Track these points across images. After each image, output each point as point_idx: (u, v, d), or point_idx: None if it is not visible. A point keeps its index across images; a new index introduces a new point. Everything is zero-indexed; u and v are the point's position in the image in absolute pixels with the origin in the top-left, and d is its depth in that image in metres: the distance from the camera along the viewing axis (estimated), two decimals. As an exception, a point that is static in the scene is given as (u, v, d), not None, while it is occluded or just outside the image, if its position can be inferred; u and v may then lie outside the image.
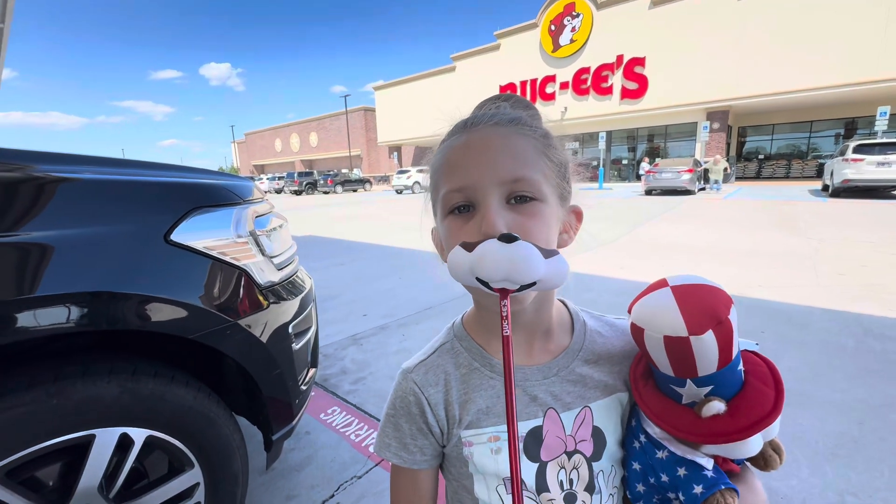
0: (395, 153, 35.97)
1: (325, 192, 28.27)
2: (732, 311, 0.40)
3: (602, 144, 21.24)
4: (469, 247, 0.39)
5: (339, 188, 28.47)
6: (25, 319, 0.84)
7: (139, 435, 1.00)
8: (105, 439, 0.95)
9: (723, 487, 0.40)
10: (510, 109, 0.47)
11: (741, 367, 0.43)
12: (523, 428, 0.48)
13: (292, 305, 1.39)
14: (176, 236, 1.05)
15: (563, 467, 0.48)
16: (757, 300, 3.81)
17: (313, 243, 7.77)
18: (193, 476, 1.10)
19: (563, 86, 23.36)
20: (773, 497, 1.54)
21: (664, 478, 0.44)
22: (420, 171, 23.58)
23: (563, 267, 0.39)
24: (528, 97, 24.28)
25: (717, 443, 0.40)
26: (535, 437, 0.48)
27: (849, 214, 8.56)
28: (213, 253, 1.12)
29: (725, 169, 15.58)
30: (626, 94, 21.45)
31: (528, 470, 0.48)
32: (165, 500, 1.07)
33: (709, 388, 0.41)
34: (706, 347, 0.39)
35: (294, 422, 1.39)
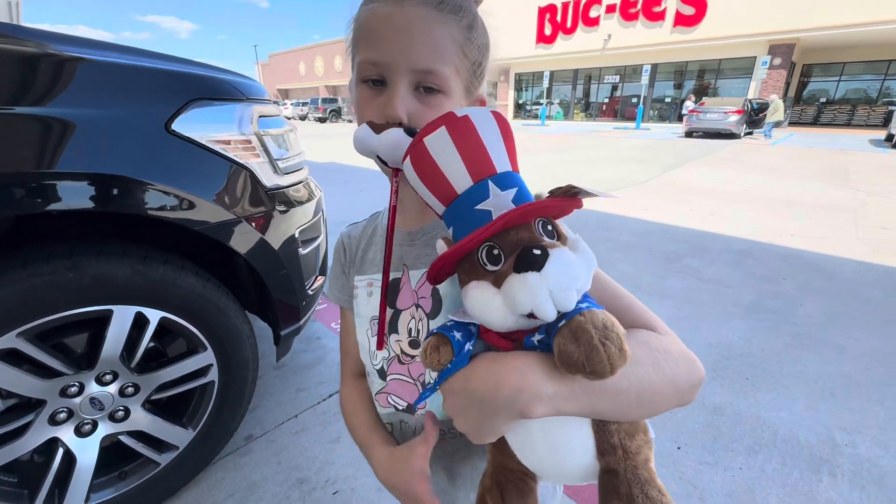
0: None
1: (349, 121, 27.64)
2: None
3: (645, 79, 19.55)
4: (377, 128, 0.44)
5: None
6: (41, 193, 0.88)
7: (154, 315, 1.08)
8: (122, 315, 1.03)
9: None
10: None
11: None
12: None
13: (299, 211, 1.41)
14: (177, 126, 1.04)
15: (413, 317, 0.54)
16: (785, 248, 3.66)
17: (336, 170, 7.74)
18: (206, 357, 1.20)
19: (610, 9, 21.02)
20: (762, 427, 1.58)
21: None
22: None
23: None
24: (570, 23, 22.29)
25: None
26: (395, 287, 0.56)
27: (909, 167, 7.85)
28: (217, 148, 1.12)
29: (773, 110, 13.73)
30: (680, 20, 19.19)
31: (386, 314, 0.56)
32: (183, 375, 1.18)
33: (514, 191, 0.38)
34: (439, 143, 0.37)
35: (301, 322, 1.47)
